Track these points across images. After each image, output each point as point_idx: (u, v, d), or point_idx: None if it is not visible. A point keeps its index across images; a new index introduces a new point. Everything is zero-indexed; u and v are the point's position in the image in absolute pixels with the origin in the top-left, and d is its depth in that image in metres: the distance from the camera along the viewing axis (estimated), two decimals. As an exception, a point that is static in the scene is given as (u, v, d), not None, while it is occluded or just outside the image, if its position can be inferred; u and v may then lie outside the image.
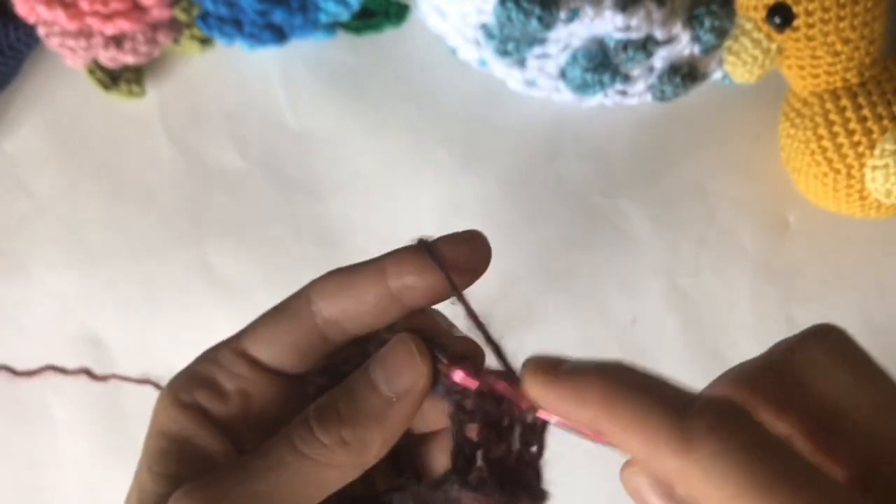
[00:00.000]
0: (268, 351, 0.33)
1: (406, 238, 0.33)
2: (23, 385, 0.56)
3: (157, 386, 0.43)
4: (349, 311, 0.32)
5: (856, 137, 0.50)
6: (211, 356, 0.33)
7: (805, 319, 0.55)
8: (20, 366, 0.56)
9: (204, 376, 0.33)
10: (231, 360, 0.33)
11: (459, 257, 0.32)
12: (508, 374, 0.30)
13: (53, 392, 0.56)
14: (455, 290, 0.31)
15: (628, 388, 0.26)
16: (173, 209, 0.56)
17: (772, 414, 0.28)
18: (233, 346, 0.33)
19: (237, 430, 0.33)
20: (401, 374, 0.31)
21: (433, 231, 0.33)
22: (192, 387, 0.33)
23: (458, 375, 0.30)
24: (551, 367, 0.28)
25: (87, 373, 0.41)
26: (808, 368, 0.28)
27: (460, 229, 0.33)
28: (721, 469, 0.25)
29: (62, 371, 0.41)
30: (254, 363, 0.33)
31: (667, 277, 0.55)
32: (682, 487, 0.26)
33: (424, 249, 0.31)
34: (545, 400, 0.28)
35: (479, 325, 0.31)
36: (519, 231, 0.55)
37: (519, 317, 0.55)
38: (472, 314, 0.31)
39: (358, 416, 0.30)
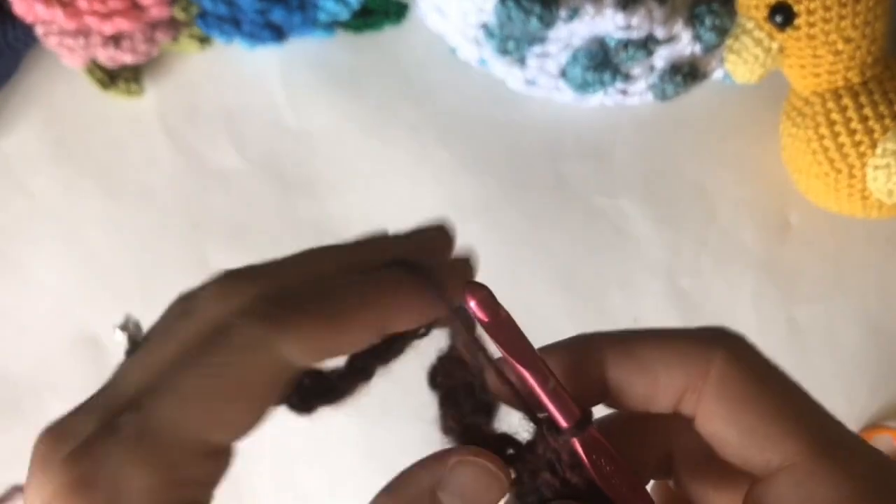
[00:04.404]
0: (230, 426, 0.26)
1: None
2: (23, 385, 0.56)
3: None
4: (329, 351, 0.27)
5: (857, 137, 0.50)
6: (166, 463, 0.25)
7: (806, 319, 0.54)
8: (20, 366, 0.55)
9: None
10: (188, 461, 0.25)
11: (459, 280, 0.28)
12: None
13: (53, 392, 0.56)
14: (464, 322, 0.28)
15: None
16: (172, 208, 0.56)
17: None
18: (176, 438, 0.25)
19: None
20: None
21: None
22: None
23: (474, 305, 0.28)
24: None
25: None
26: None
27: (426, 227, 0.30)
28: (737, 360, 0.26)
29: None
30: (214, 450, 0.26)
31: (667, 277, 0.55)
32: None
33: (423, 278, 0.27)
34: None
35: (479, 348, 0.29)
36: (519, 231, 0.55)
37: (518, 317, 0.55)
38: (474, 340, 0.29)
39: None
